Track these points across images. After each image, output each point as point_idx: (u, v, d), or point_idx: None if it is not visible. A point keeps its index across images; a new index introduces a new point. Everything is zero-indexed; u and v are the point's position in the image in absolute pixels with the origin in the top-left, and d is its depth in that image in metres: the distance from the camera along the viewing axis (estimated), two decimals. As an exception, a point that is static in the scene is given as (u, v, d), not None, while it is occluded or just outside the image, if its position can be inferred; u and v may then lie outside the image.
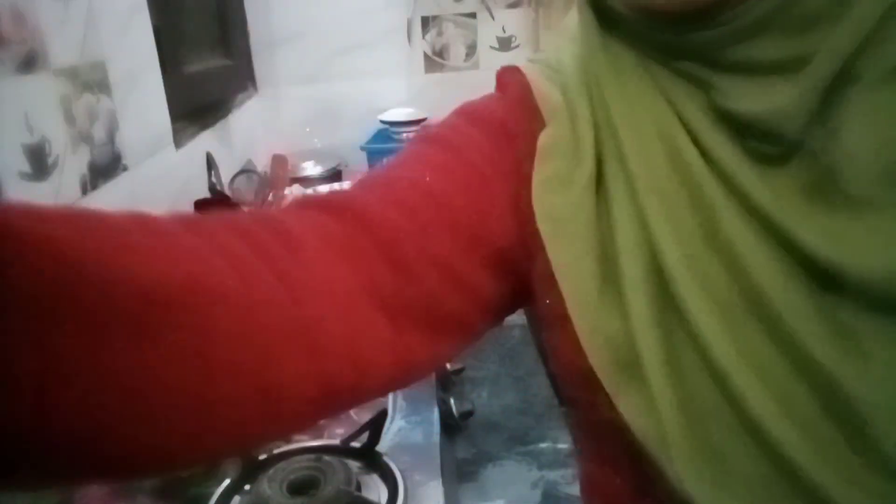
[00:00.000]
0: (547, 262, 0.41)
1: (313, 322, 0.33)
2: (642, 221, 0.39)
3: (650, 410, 0.37)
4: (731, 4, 0.36)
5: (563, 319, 0.41)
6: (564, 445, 0.88)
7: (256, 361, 0.30)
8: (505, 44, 2.05)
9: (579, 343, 0.40)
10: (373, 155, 1.77)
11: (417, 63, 2.00)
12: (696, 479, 0.36)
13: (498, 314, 0.46)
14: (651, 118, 0.40)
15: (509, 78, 0.49)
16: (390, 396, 0.92)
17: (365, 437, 0.79)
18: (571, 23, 0.48)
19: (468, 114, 0.48)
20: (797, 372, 0.35)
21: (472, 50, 2.03)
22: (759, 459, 0.36)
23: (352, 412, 0.86)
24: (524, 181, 0.43)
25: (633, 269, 0.38)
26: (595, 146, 0.42)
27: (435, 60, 2.02)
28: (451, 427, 0.91)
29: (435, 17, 1.99)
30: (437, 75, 2.01)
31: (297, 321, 0.33)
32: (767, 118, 0.36)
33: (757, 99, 0.36)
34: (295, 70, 1.93)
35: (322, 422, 0.86)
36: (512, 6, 2.02)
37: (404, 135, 1.79)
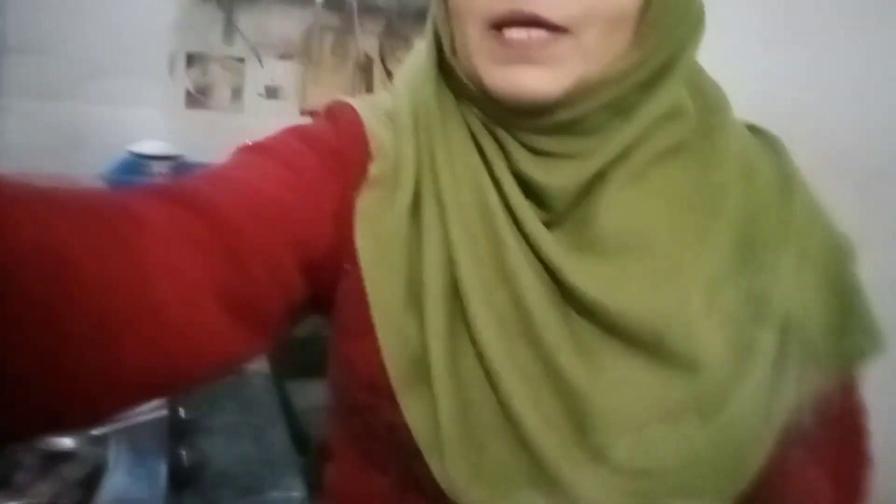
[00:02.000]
0: (359, 278, 0.46)
1: (159, 305, 0.35)
2: (447, 248, 0.46)
3: (431, 411, 0.44)
4: (547, 111, 0.46)
5: (366, 331, 0.46)
6: (297, 494, 0.89)
7: (101, 335, 0.31)
8: (273, 93, 2.07)
9: (377, 351, 0.46)
10: (114, 186, 1.63)
11: (178, 98, 1.92)
12: (457, 470, 0.44)
13: (296, 320, 0.49)
14: (467, 166, 0.49)
15: (340, 112, 0.53)
16: (112, 447, 0.84)
17: (76, 495, 0.72)
18: (410, 72, 0.55)
19: (299, 133, 0.51)
20: (547, 375, 0.45)
21: (237, 93, 2.01)
22: (513, 449, 0.44)
23: (62, 469, 0.78)
24: (347, 205, 0.48)
25: (434, 287, 0.46)
26: (415, 182, 0.49)
27: (197, 98, 1.95)
28: (181, 480, 0.86)
29: (201, 55, 1.94)
30: (198, 113, 1.94)
31: (143, 302, 0.34)
32: (547, 188, 0.47)
33: (544, 174, 0.47)
34: (28, 84, 1.69)
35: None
36: (283, 57, 2.05)
37: (155, 169, 1.69)
